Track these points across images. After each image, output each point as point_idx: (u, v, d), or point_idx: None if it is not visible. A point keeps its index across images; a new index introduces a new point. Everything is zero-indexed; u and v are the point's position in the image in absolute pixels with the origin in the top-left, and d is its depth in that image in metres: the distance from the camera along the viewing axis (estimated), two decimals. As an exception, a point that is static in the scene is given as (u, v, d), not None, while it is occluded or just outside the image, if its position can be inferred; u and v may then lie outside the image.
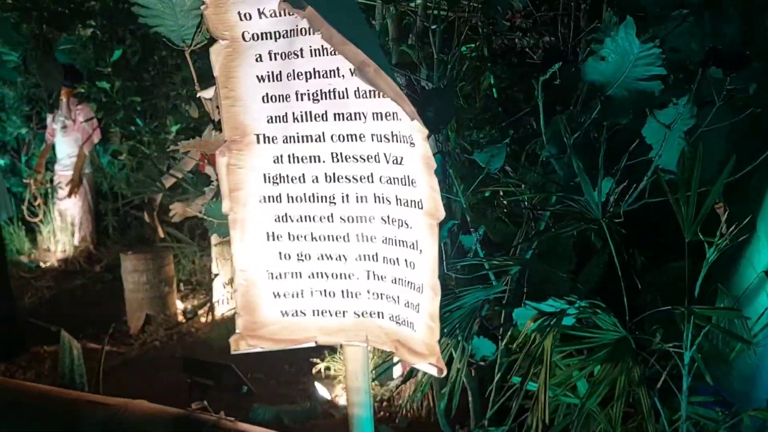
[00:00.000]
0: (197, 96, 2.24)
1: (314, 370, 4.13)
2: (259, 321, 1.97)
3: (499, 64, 3.06)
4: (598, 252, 2.28)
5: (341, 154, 1.81)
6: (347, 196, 1.83)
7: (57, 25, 5.24)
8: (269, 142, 1.88)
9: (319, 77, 1.79)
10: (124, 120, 5.75)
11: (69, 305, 5.70)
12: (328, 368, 4.16)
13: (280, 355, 4.55)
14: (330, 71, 1.77)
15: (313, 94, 1.81)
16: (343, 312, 1.91)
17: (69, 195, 6.69)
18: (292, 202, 1.89)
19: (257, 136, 1.89)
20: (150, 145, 5.75)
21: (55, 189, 6.83)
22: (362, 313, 1.89)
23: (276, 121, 1.86)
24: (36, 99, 7.15)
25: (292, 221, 1.90)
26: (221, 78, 1.89)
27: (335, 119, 1.80)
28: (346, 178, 1.82)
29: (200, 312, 5.27)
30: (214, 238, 5.17)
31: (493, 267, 2.18)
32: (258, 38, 1.83)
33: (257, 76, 1.86)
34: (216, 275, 5.09)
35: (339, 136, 1.80)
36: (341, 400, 3.95)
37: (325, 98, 1.79)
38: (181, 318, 5.27)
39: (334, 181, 1.83)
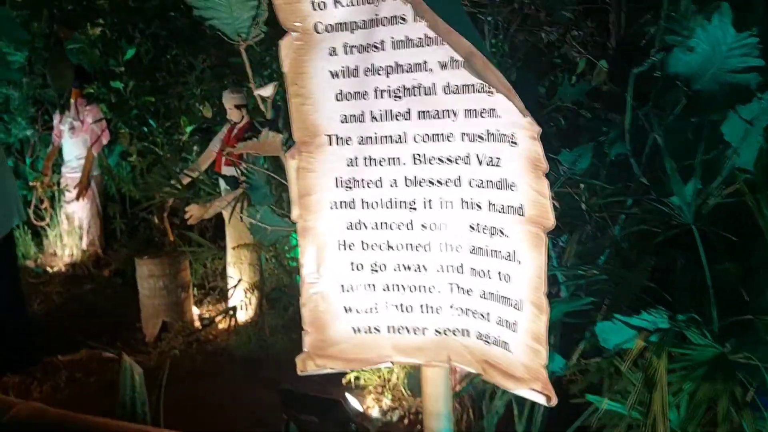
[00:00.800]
0: (255, 94, 2.09)
1: (344, 380, 3.96)
2: (329, 338, 1.80)
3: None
4: (683, 259, 2.13)
5: (424, 155, 1.65)
6: (430, 201, 1.67)
7: (68, 23, 5.05)
8: (343, 144, 1.72)
9: (402, 72, 1.63)
10: (136, 120, 5.56)
11: (80, 311, 5.51)
12: (357, 377, 4.00)
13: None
14: (415, 65, 1.61)
15: (394, 91, 1.65)
16: (423, 329, 1.76)
17: (77, 198, 6.49)
18: (367, 208, 1.73)
19: (329, 137, 1.73)
20: (163, 146, 5.57)
21: (62, 192, 6.63)
22: (444, 331, 1.74)
23: (351, 121, 1.71)
24: (41, 100, 6.95)
25: (366, 229, 1.74)
26: (290, 74, 1.72)
27: (419, 117, 1.64)
28: (429, 181, 1.66)
29: (218, 318, 5.09)
30: (230, 241, 5.00)
31: (575, 277, 2.03)
32: (332, 30, 1.67)
33: (330, 72, 1.70)
34: (239, 281, 4.91)
35: (423, 136, 1.64)
36: (374, 412, 3.80)
37: (409, 95, 1.64)
38: (197, 324, 5.09)
39: (416, 185, 1.68)
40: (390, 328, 1.78)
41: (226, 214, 4.93)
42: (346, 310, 1.78)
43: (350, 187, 1.73)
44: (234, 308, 4.62)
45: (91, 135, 6.36)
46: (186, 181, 5.01)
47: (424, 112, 1.63)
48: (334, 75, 1.70)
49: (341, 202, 1.75)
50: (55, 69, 4.93)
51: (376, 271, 1.75)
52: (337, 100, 1.71)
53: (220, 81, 5.50)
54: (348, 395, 3.84)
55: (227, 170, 4.85)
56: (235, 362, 4.32)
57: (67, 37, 5.24)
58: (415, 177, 1.67)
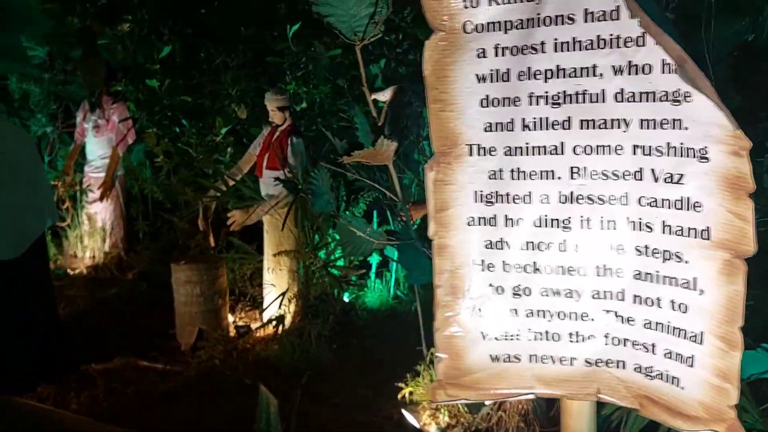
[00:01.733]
0: (372, 98, 1.94)
1: (399, 396, 3.80)
2: (464, 366, 1.65)
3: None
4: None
5: (585, 169, 1.50)
6: (588, 220, 1.52)
7: (103, 18, 4.89)
8: (485, 154, 1.57)
9: (565, 76, 1.48)
10: (168, 120, 5.39)
11: (107, 317, 5.33)
12: (410, 392, 3.84)
13: (354, 376, 4.25)
14: (581, 69, 1.46)
15: (552, 97, 1.49)
16: (570, 359, 1.60)
17: (101, 199, 6.32)
18: (512, 225, 1.58)
19: (470, 146, 1.58)
20: (196, 147, 5.40)
21: (84, 192, 6.45)
22: (596, 362, 1.58)
23: (496, 129, 1.55)
24: (62, 96, 6.77)
25: (509, 248, 1.59)
26: (431, 78, 1.57)
27: (582, 127, 1.49)
28: (589, 198, 1.50)
29: (255, 327, 4.93)
30: (270, 247, 4.83)
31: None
32: (483, 30, 1.52)
33: (477, 75, 1.55)
34: (285, 290, 4.74)
35: (585, 147, 1.49)
36: (432, 430, 3.64)
37: (570, 101, 1.48)
38: (232, 333, 4.92)
39: (572, 202, 1.52)
40: (532, 357, 1.62)
41: (266, 219, 4.78)
42: (483, 337, 1.63)
43: (491, 202, 1.58)
44: (281, 317, 4.43)
45: (116, 134, 6.19)
46: (226, 185, 4.85)
47: (587, 121, 1.48)
48: (481, 79, 1.55)
49: (480, 218, 1.59)
50: (87, 65, 4.75)
51: (519, 295, 1.60)
52: (482, 106, 1.56)
53: (256, 81, 5.34)
54: (405, 412, 3.69)
55: (269, 174, 4.69)
56: (280, 375, 4.15)
57: (101, 32, 5.06)
58: (572, 193, 1.52)
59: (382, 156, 1.88)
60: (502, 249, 1.59)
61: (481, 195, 1.58)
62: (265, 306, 5.05)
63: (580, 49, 1.44)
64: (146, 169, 6.96)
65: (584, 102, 1.47)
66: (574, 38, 1.44)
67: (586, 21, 1.41)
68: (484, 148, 1.57)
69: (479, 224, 1.59)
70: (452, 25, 1.52)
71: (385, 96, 1.80)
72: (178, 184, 6.30)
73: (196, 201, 6.32)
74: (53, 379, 4.08)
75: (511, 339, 1.62)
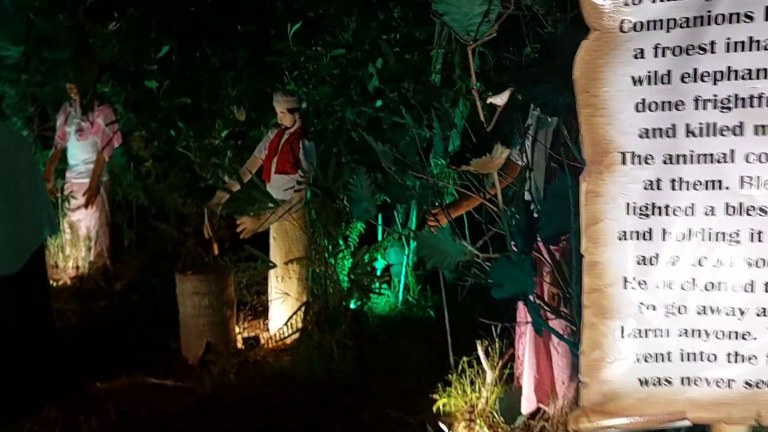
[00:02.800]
0: (488, 102, 1.80)
1: (434, 408, 3.67)
2: (610, 391, 1.53)
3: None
4: None
5: (758, 179, 1.40)
6: (759, 234, 1.41)
7: (95, 15, 4.61)
8: (640, 163, 1.45)
9: (737, 78, 1.37)
10: (162, 123, 5.13)
11: (101, 331, 5.06)
12: (445, 403, 3.71)
13: (378, 388, 4.10)
14: (757, 71, 1.35)
15: (722, 101, 1.39)
16: (728, 381, 1.50)
17: (85, 205, 6.00)
18: (669, 239, 1.46)
19: (623, 154, 1.46)
20: (194, 150, 5.16)
21: (66, 199, 6.12)
22: (757, 383, 1.48)
23: (654, 136, 1.44)
24: (39, 99, 6.42)
25: (665, 264, 1.47)
26: (581, 80, 1.44)
27: (756, 133, 1.38)
28: (761, 210, 1.40)
29: (263, 338, 4.73)
30: (278, 254, 4.64)
31: None
32: (642, 28, 1.40)
33: (633, 78, 1.43)
34: (305, 302, 4.56)
35: (760, 155, 1.39)
36: (468, 443, 3.53)
37: (743, 106, 1.38)
38: (240, 344, 4.71)
39: (741, 214, 1.42)
40: (685, 380, 1.51)
41: (273, 226, 4.59)
42: (632, 359, 1.51)
43: (646, 215, 1.46)
44: (304, 329, 4.22)
45: (102, 137, 5.88)
46: (229, 191, 4.64)
47: (763, 126, 1.37)
48: (637, 81, 1.43)
49: (633, 233, 1.48)
50: (79, 65, 4.47)
51: (674, 313, 1.49)
52: (638, 110, 1.44)
53: (255, 81, 5.14)
54: (441, 425, 3.56)
55: (278, 179, 4.50)
56: (303, 389, 3.97)
57: (94, 30, 4.78)
58: (741, 204, 1.41)
59: (494, 164, 1.75)
60: (656, 265, 1.47)
61: (635, 207, 1.46)
62: (271, 315, 4.87)
63: (758, 49, 1.34)
64: (129, 173, 6.66)
65: (759, 106, 1.36)
66: (750, 38, 1.34)
67: (767, 19, 1.31)
68: (639, 156, 1.45)
69: (631, 238, 1.47)
70: (608, 24, 1.40)
71: (501, 99, 1.66)
72: (166, 189, 6.04)
73: (187, 207, 6.08)
74: (57, 401, 3.81)
75: (663, 361, 1.51)
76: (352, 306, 5.02)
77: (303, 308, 4.39)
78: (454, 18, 1.69)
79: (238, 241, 5.33)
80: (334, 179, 4.13)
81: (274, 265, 4.32)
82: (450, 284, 5.63)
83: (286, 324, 4.42)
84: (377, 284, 4.58)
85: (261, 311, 5.40)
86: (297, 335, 4.62)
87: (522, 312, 3.61)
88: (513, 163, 3.57)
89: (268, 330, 4.94)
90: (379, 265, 5.28)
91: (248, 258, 6.06)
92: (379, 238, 5.42)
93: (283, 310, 4.72)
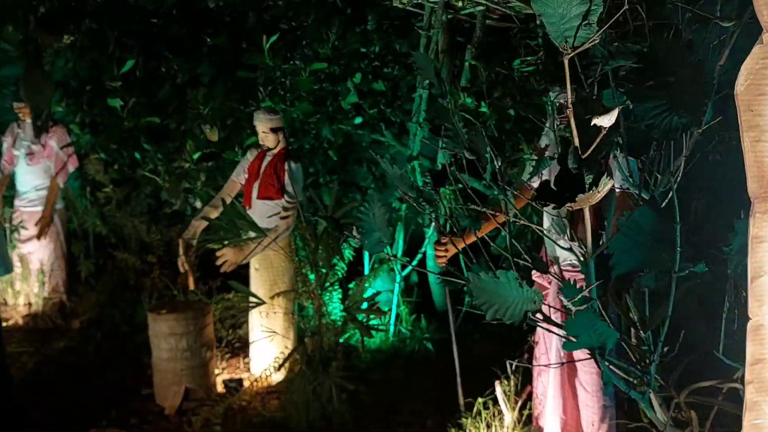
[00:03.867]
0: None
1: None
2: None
3: None
4: None
5: None
6: None
7: (49, 27, 4.14)
8: (818, 200, 1.15)
9: None
10: (125, 145, 4.67)
11: (62, 376, 4.53)
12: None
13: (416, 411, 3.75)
14: None
15: None
16: None
17: (38, 236, 5.46)
18: None
19: (797, 189, 1.15)
20: (162, 174, 4.71)
21: (15, 229, 5.56)
22: None
23: (837, 166, 1.14)
24: (-17, 119, 5.86)
25: None
26: (745, 96, 1.13)
27: None
28: None
29: (247, 380, 4.30)
30: (262, 287, 4.23)
31: None
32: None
33: (812, 92, 1.12)
34: (278, 336, 4.16)
35: None
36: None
37: None
38: (221, 389, 4.27)
39: None
40: None
41: (257, 256, 4.18)
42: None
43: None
44: (299, 370, 3.79)
45: (55, 161, 5.36)
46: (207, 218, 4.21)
47: None
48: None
49: (805, 287, 1.16)
50: (31, 82, 4.00)
51: None
52: (815, 134, 1.13)
53: (228, 98, 4.74)
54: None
55: (261, 205, 4.10)
56: (301, 440, 3.57)
57: (48, 43, 4.31)
58: None
59: (595, 198, 1.44)
60: (834, 327, 1.17)
61: (808, 254, 1.15)
62: (252, 353, 4.44)
63: None
64: (84, 199, 6.13)
65: None
66: None
67: None
68: (817, 192, 1.14)
69: (802, 294, 1.16)
70: (784, 25, 1.10)
71: (609, 120, 1.35)
72: (127, 216, 5.56)
73: (151, 236, 5.61)
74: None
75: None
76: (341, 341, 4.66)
77: (293, 346, 3.98)
78: (550, 20, 1.37)
79: (210, 271, 4.91)
80: (335, 206, 3.76)
81: (263, 302, 3.90)
82: (443, 310, 5.33)
83: (279, 366, 3.99)
84: (378, 320, 4.20)
85: (239, 348, 4.97)
86: (284, 377, 4.22)
87: (543, 347, 3.31)
88: (528, 186, 3.30)
89: (249, 370, 4.51)
90: (366, 294, 4.92)
91: (222, 289, 5.63)
92: (366, 264, 5.07)
93: (267, 347, 4.31)
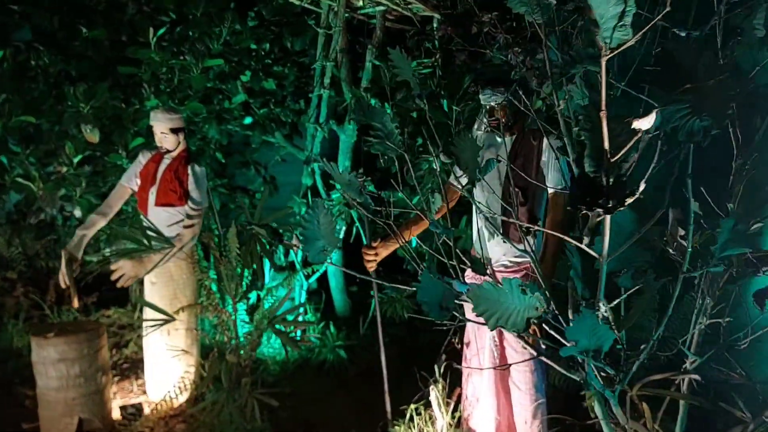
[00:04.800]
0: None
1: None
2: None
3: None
4: None
5: None
6: None
7: None
8: None
9: None
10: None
11: None
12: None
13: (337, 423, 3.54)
14: None
15: None
16: None
17: None
18: None
19: None
20: (36, 180, 4.16)
21: None
22: None
23: None
24: None
25: None
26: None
27: None
28: None
29: (147, 405, 3.93)
30: (162, 300, 3.87)
31: None
32: None
33: None
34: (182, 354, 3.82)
35: None
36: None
37: None
38: (118, 417, 3.87)
39: None
40: None
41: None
42: None
43: None
44: (222, 397, 3.49)
45: None
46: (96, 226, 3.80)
47: None
48: None
49: None
50: None
51: None
52: None
53: (111, 96, 4.31)
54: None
55: (161, 212, 3.75)
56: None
57: None
58: None
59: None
60: None
61: None
62: (149, 375, 4.06)
63: None
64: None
65: None
66: None
67: None
68: None
69: None
70: None
71: (648, 122, 1.32)
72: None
73: (11, 250, 5.00)
74: None
75: None
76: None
77: (197, 364, 3.68)
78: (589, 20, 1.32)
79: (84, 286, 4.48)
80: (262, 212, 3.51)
81: (173, 318, 3.57)
82: (345, 316, 5.20)
83: (200, 386, 3.67)
84: (310, 330, 3.99)
85: (128, 369, 4.55)
86: (186, 399, 3.91)
87: (474, 348, 3.31)
88: (452, 187, 3.28)
89: (146, 393, 4.13)
90: (267, 303, 4.69)
91: (101, 304, 5.15)
92: (267, 272, 4.83)
93: (165, 367, 3.96)
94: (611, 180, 1.48)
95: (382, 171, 5.04)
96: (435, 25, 4.82)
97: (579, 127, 1.53)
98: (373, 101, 4.66)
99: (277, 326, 3.42)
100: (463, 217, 4.59)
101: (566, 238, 1.79)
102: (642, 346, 1.99)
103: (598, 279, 1.96)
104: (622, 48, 1.35)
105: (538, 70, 4.70)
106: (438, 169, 2.43)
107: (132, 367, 4.53)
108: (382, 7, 4.72)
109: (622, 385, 2.06)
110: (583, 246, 1.68)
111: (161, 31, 4.36)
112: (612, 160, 1.45)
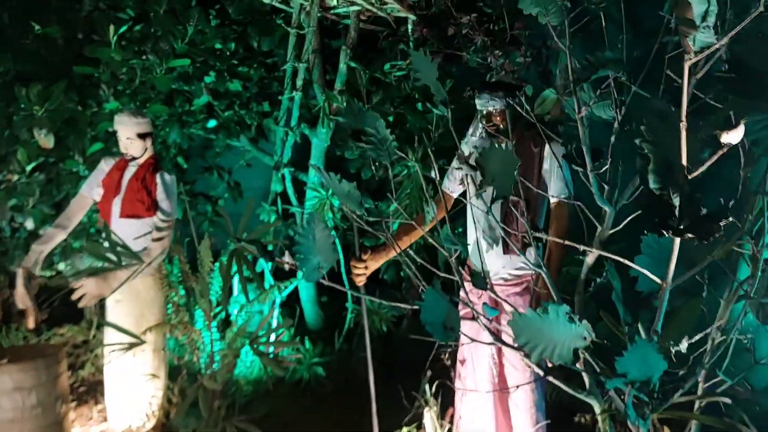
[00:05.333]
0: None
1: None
2: None
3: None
4: None
5: None
6: None
7: None
8: None
9: None
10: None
11: None
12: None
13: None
14: None
15: None
16: None
17: None
18: None
19: None
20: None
21: None
22: None
23: None
24: None
25: None
26: None
27: None
28: None
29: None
30: (129, 320, 3.57)
31: None
32: None
33: None
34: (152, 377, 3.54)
35: None
36: None
37: None
38: (77, 446, 3.56)
39: None
40: None
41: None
42: None
43: None
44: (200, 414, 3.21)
45: None
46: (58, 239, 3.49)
47: None
48: None
49: None
50: None
51: None
52: None
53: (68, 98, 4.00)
54: None
55: (126, 225, 3.46)
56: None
57: None
58: None
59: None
60: None
61: None
62: (110, 400, 3.75)
63: None
64: None
65: None
66: None
67: None
68: None
69: None
70: None
71: (737, 136, 1.17)
72: None
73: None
74: None
75: None
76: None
77: (164, 388, 3.41)
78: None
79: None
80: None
81: (142, 341, 3.28)
82: (318, 329, 4.97)
83: (170, 413, 3.38)
84: (290, 351, 3.73)
85: (85, 393, 4.21)
86: (153, 427, 3.62)
87: (470, 366, 3.13)
88: (447, 195, 3.12)
89: (106, 420, 3.81)
90: (240, 320, 4.42)
91: (52, 321, 4.77)
92: (236, 285, 4.56)
93: (129, 392, 3.65)
94: (682, 198, 1.32)
95: (354, 176, 4.85)
96: (410, 26, 4.64)
97: (641, 139, 1.37)
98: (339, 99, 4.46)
99: (258, 347, 3.17)
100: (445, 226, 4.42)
101: (612, 256, 1.64)
102: (680, 372, 1.86)
103: (637, 301, 1.82)
104: (706, 52, 1.19)
105: (515, 73, 4.59)
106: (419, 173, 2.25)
107: (90, 391, 4.20)
108: (356, 7, 4.52)
109: (655, 411, 1.93)
110: (641, 269, 1.52)
111: (123, 28, 4.06)
112: (691, 175, 1.29)
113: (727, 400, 2.16)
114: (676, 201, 1.33)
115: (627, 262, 1.62)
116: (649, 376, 1.63)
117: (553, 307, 1.55)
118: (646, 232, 1.37)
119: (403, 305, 2.24)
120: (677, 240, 1.42)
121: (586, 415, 3.72)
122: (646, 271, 1.54)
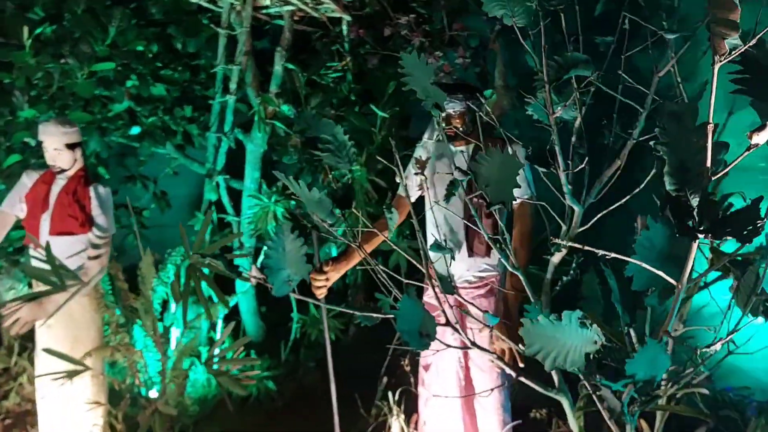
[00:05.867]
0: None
1: None
2: None
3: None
4: None
5: None
6: None
7: None
8: None
9: None
10: None
11: None
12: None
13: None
14: None
15: None
16: None
17: None
18: None
19: None
20: None
21: None
22: None
23: None
24: None
25: None
26: None
27: None
28: None
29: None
30: (62, 346, 3.30)
31: None
32: None
33: None
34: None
35: None
36: None
37: None
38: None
39: None
40: None
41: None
42: None
43: None
44: None
45: None
46: None
47: None
48: None
49: None
50: None
51: None
52: None
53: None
54: None
55: (55, 243, 3.18)
56: None
57: None
58: None
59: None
60: None
61: None
62: (45, 430, 3.46)
63: None
64: None
65: None
66: None
67: None
68: None
69: None
70: None
71: (766, 137, 1.17)
72: None
73: None
74: None
75: None
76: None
77: (105, 415, 3.17)
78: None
79: None
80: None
81: (87, 367, 3.03)
82: (260, 341, 4.79)
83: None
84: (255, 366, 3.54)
85: (11, 426, 3.87)
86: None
87: (433, 371, 3.08)
88: (404, 200, 3.05)
89: (39, 455, 3.51)
90: (186, 338, 4.20)
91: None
92: (170, 300, 4.32)
93: (63, 421, 3.38)
94: (700, 199, 1.32)
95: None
96: (345, 27, 4.55)
97: (655, 141, 1.36)
98: (285, 108, 4.31)
99: (215, 367, 3.00)
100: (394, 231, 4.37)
101: (613, 255, 1.63)
102: (672, 368, 1.89)
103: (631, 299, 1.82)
104: (735, 54, 1.19)
105: (454, 74, 4.58)
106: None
107: (19, 423, 3.87)
108: (290, 7, 4.38)
109: (645, 407, 1.94)
110: (656, 270, 1.51)
111: (38, 30, 3.75)
112: (714, 177, 1.29)
113: (706, 392, 2.22)
114: (694, 202, 1.32)
115: (627, 259, 1.61)
116: (653, 375, 1.63)
117: (566, 314, 1.52)
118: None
119: (357, 312, 2.17)
120: (695, 243, 1.42)
121: (541, 410, 3.77)
122: (659, 272, 1.53)
